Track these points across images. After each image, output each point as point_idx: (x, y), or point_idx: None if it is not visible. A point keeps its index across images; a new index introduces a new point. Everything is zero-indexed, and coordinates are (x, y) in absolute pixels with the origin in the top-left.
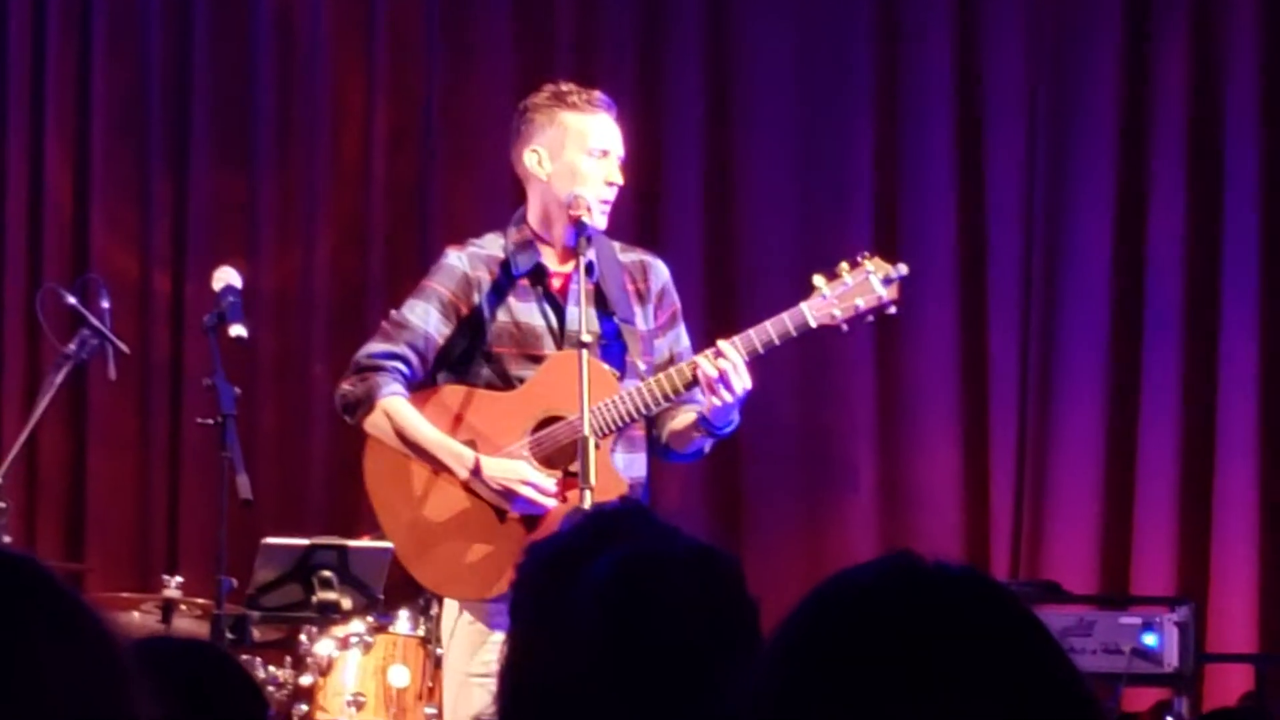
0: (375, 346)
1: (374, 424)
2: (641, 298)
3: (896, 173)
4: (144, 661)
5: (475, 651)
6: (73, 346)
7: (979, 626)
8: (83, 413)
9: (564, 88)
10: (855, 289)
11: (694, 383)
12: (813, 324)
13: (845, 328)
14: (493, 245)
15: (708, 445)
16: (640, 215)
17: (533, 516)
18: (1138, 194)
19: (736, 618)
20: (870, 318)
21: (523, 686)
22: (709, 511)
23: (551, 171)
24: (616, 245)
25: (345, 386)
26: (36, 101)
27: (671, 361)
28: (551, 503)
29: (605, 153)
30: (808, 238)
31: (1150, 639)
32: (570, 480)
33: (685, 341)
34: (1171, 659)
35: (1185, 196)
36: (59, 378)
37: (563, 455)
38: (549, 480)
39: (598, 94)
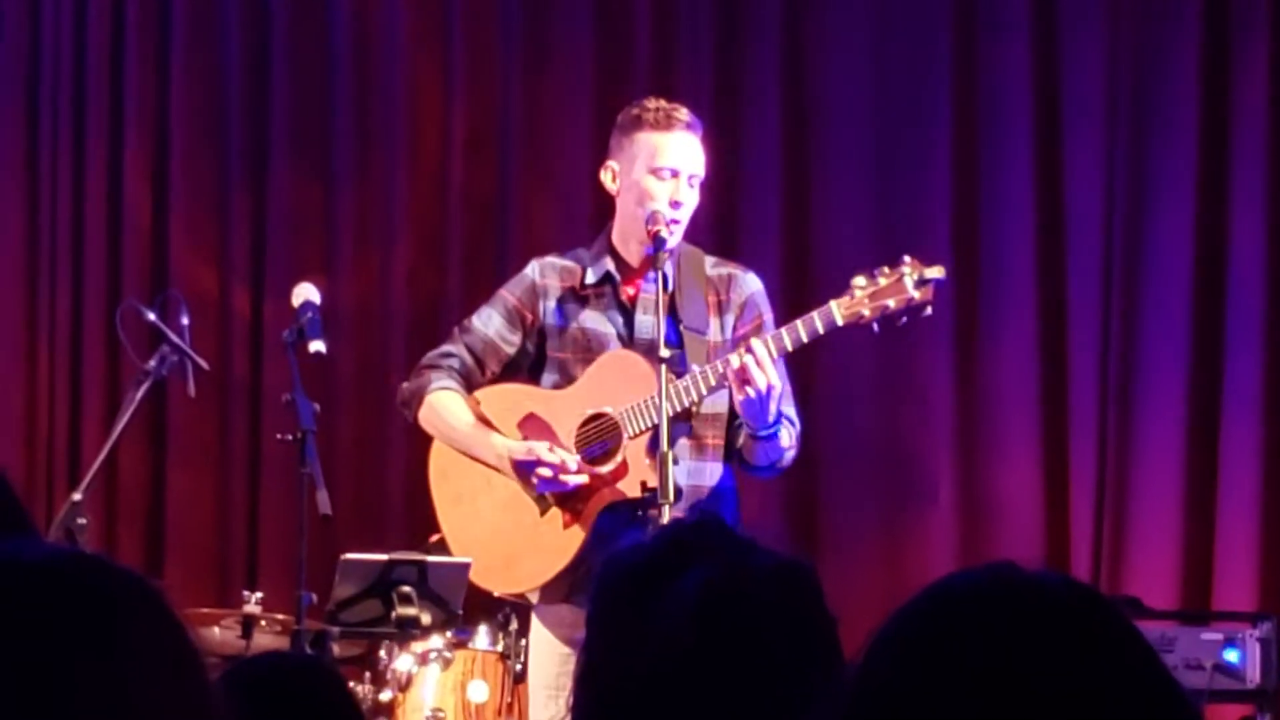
0: (438, 348)
1: (424, 418)
2: (721, 309)
3: (975, 183)
4: (260, 678)
5: (553, 662)
6: (153, 363)
7: (1087, 637)
8: (162, 429)
9: (649, 104)
10: (887, 289)
11: (723, 378)
12: (839, 322)
13: (876, 328)
14: (572, 257)
15: (783, 458)
16: (718, 225)
17: (575, 509)
18: (1219, 204)
19: (817, 632)
20: (904, 319)
21: (602, 698)
22: (786, 523)
23: (621, 188)
24: (709, 260)
25: (404, 384)
26: (115, 117)
27: None
28: (577, 479)
29: (675, 173)
30: (885, 248)
31: (1232, 655)
32: (604, 475)
33: None
34: (1254, 675)
35: (1266, 206)
36: (139, 394)
37: (603, 450)
38: (572, 459)
39: (681, 111)
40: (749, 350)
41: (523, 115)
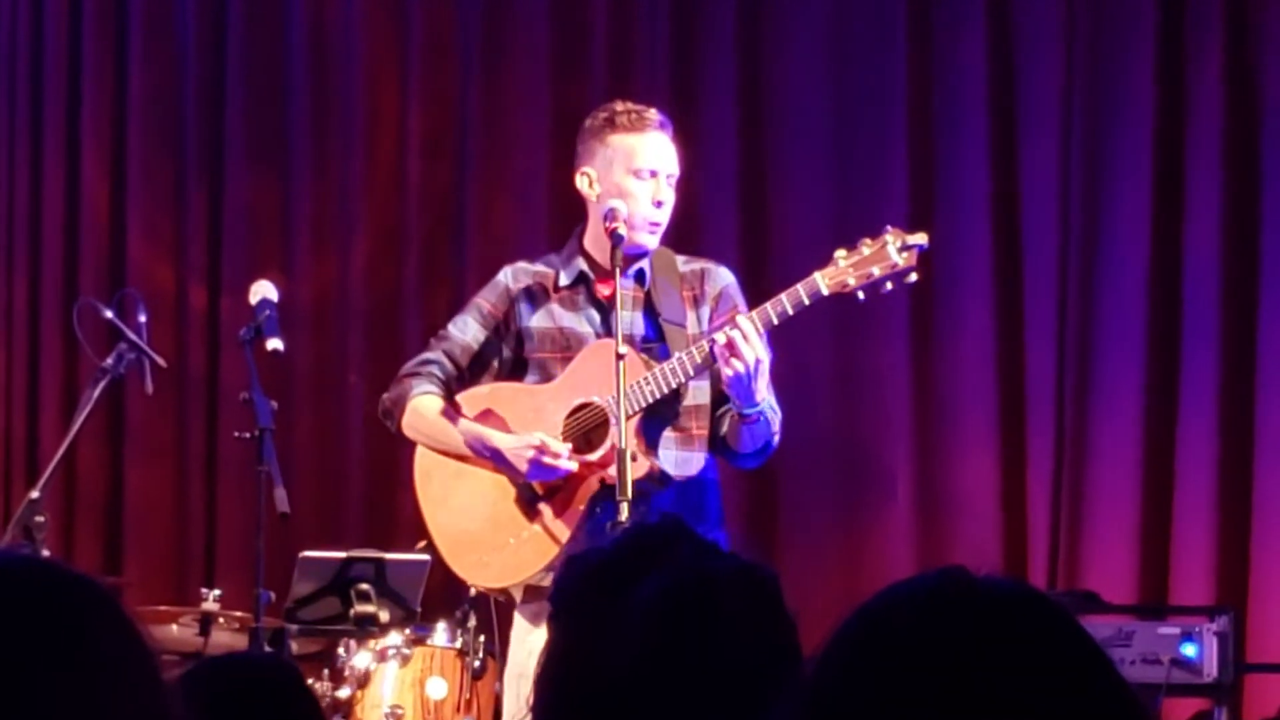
0: (415, 357)
1: (408, 425)
2: (697, 302)
3: (931, 178)
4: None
5: (529, 653)
6: (110, 361)
7: (1033, 645)
8: (120, 427)
9: (618, 108)
10: (871, 257)
11: (711, 358)
12: (825, 291)
13: (861, 295)
14: (544, 262)
15: (769, 440)
16: (676, 218)
17: (560, 498)
18: (1174, 198)
19: (778, 634)
20: (889, 285)
21: (561, 697)
22: (745, 520)
23: (600, 193)
24: (680, 258)
25: (384, 395)
26: (72, 115)
27: None
28: (565, 465)
29: (654, 173)
30: (842, 242)
31: (1190, 649)
32: (593, 463)
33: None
34: (1211, 669)
35: (1222, 199)
36: (96, 392)
37: (594, 437)
38: (561, 446)
39: (651, 113)
40: (734, 326)
41: (480, 113)
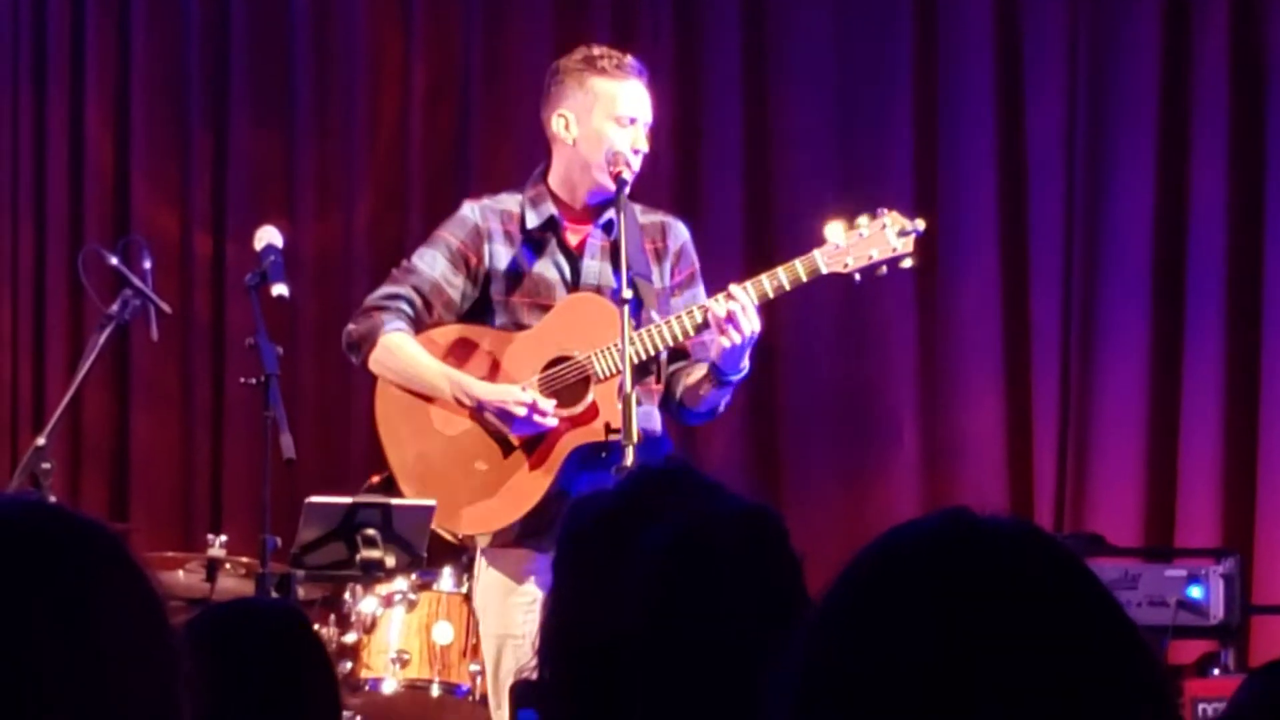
0: (381, 289)
1: (376, 360)
2: (659, 256)
3: (936, 128)
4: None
5: (507, 605)
6: (115, 307)
7: (1037, 583)
8: (126, 373)
9: (595, 52)
10: (870, 240)
11: (704, 325)
12: (824, 270)
13: (858, 277)
14: (508, 200)
15: (722, 403)
16: (679, 175)
17: (538, 452)
18: (1180, 146)
19: (784, 577)
20: (884, 269)
21: (570, 644)
22: (751, 466)
23: (578, 136)
24: (638, 208)
25: (350, 326)
26: (76, 62)
27: None
28: (550, 422)
29: (633, 120)
30: (847, 195)
31: (1196, 591)
32: (573, 418)
33: (703, 300)
34: (1217, 611)
35: (1228, 148)
36: (102, 339)
37: (569, 393)
38: (547, 402)
39: (629, 59)
40: (730, 297)
41: (482, 61)
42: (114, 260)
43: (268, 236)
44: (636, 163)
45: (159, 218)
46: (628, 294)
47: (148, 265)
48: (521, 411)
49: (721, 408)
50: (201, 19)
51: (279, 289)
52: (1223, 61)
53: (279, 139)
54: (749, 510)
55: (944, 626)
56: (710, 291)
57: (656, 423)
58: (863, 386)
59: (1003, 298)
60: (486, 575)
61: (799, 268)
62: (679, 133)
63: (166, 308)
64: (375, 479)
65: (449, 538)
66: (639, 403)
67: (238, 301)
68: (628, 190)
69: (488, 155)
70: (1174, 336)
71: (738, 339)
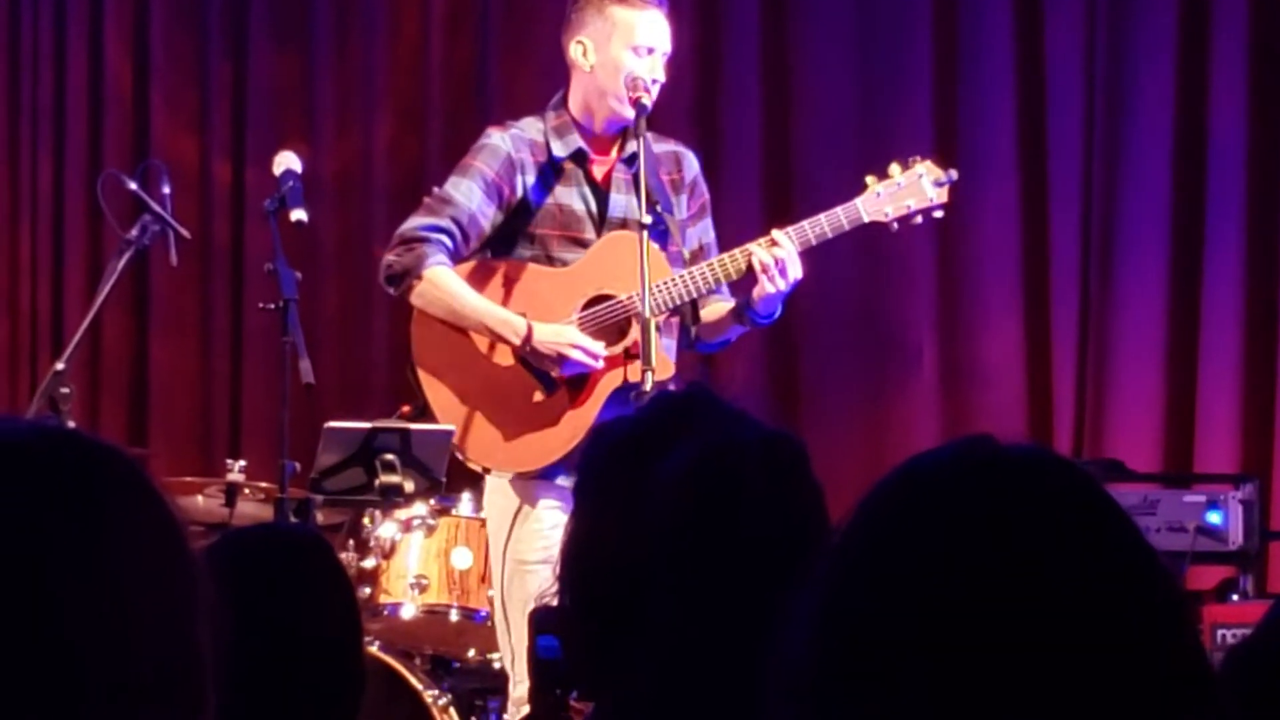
0: (419, 220)
1: (420, 294)
2: (676, 187)
3: (956, 61)
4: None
5: (520, 532)
6: (134, 232)
7: (1057, 510)
8: (145, 298)
9: None
10: (907, 189)
11: (748, 269)
12: (865, 219)
13: (895, 226)
14: (532, 129)
15: (734, 336)
16: (699, 111)
17: (578, 391)
18: (1199, 72)
19: (804, 503)
20: (918, 219)
21: (591, 570)
22: (770, 393)
23: (596, 63)
24: (650, 135)
25: (390, 257)
26: None
27: (701, 251)
28: (600, 364)
29: (651, 50)
30: (866, 134)
31: (1215, 517)
32: (614, 358)
33: (712, 234)
34: (1236, 537)
35: (1247, 75)
36: (121, 263)
37: (609, 333)
38: (598, 344)
39: None
40: (774, 244)
41: None
42: (133, 185)
43: (286, 162)
44: (654, 91)
45: (178, 143)
46: (646, 219)
47: (167, 190)
48: (575, 354)
49: (733, 338)
50: None
51: (298, 214)
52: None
53: (298, 63)
54: (770, 436)
55: (964, 555)
56: (741, 231)
57: (672, 355)
58: (881, 311)
59: (1021, 224)
60: (496, 498)
61: (841, 215)
62: (698, 70)
63: (186, 233)
64: (406, 409)
65: (478, 469)
66: (660, 334)
67: (256, 226)
68: (646, 117)
69: (507, 78)
70: (1193, 262)
71: (782, 285)
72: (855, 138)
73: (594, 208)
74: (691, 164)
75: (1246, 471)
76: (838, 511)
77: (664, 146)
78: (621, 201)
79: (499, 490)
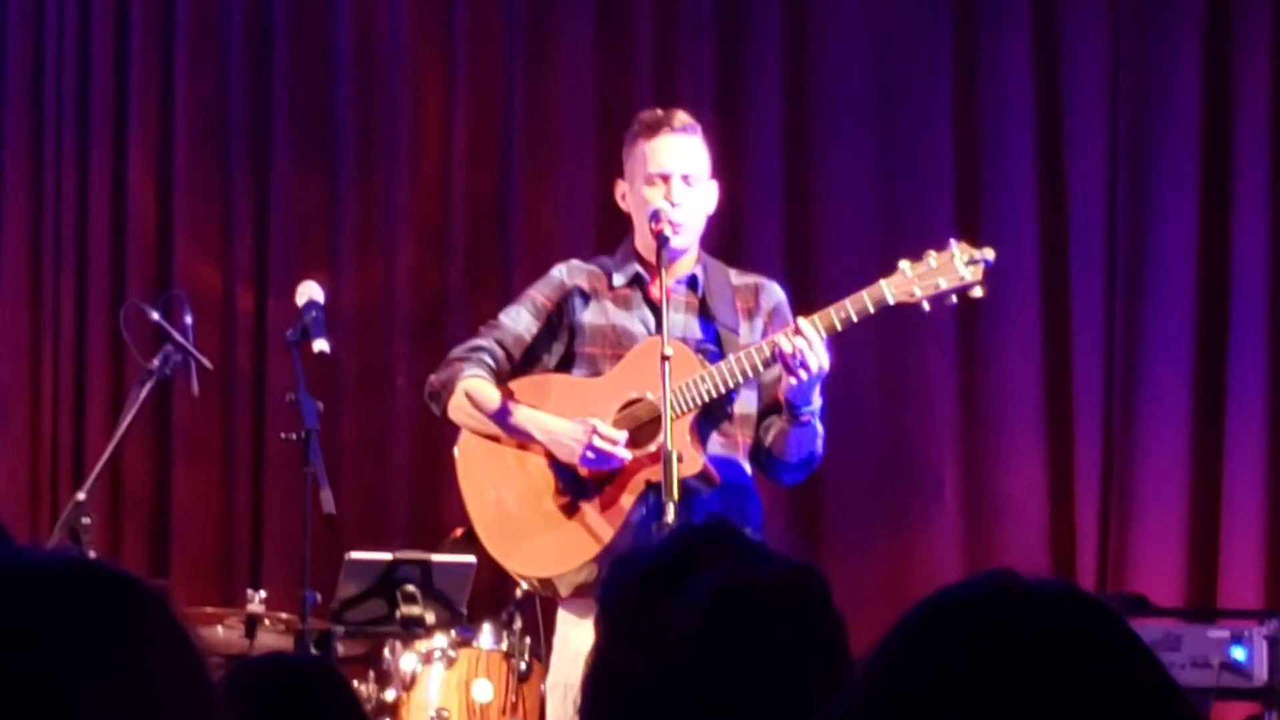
0: (465, 343)
1: (456, 406)
2: (751, 314)
3: (976, 180)
4: (263, 678)
5: (564, 660)
6: (156, 362)
7: (1081, 646)
8: (166, 428)
9: (644, 115)
10: (938, 269)
11: (771, 360)
12: (890, 301)
13: (927, 306)
14: (596, 262)
15: (815, 448)
16: (720, 215)
17: (609, 490)
18: (1222, 198)
19: (826, 637)
20: (953, 299)
21: (608, 700)
22: (792, 521)
23: (631, 205)
24: (732, 271)
25: (431, 376)
26: (119, 116)
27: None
28: (623, 454)
29: (666, 176)
30: (888, 237)
31: (1239, 652)
32: (645, 457)
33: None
34: (1261, 673)
35: (1269, 196)
36: (143, 393)
37: (643, 433)
38: (619, 433)
39: (672, 115)
40: (798, 332)
41: (525, 114)
42: (155, 315)
43: (309, 292)
44: (678, 215)
45: (201, 272)
46: (669, 350)
47: (189, 320)
48: (596, 440)
49: (818, 455)
50: (243, 72)
51: (320, 344)
52: (1264, 93)
53: (320, 193)
54: (792, 569)
55: (988, 691)
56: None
57: (741, 474)
58: (904, 442)
59: (1043, 351)
60: (564, 624)
61: (865, 298)
62: (720, 177)
63: (208, 363)
64: (458, 532)
65: (527, 585)
66: (713, 451)
67: (278, 357)
68: (675, 247)
69: (530, 205)
70: (1216, 393)
71: (805, 376)
72: (876, 248)
73: (651, 327)
74: (771, 295)
75: (1271, 606)
76: (859, 643)
77: (744, 279)
78: (679, 320)
79: (565, 613)
